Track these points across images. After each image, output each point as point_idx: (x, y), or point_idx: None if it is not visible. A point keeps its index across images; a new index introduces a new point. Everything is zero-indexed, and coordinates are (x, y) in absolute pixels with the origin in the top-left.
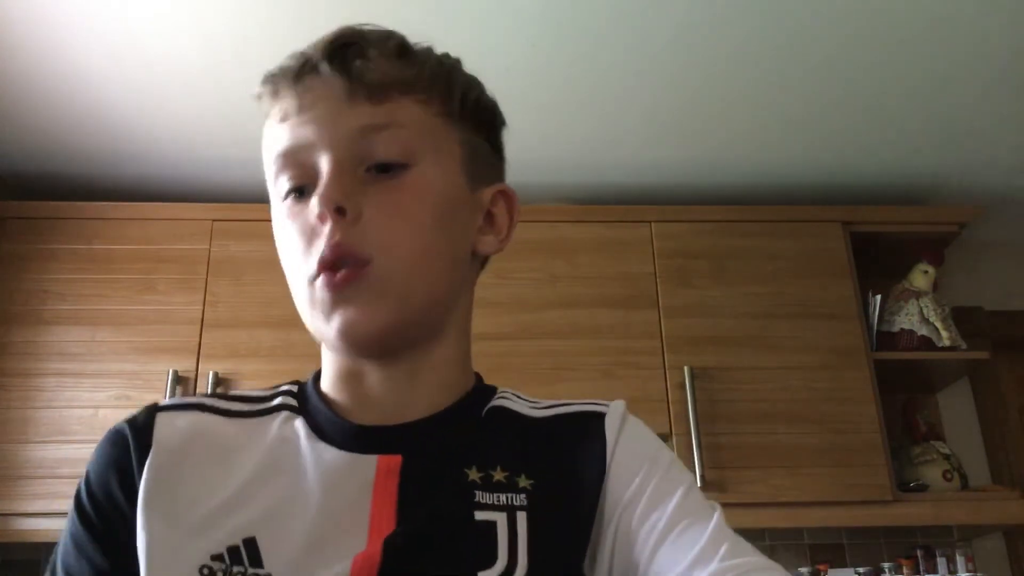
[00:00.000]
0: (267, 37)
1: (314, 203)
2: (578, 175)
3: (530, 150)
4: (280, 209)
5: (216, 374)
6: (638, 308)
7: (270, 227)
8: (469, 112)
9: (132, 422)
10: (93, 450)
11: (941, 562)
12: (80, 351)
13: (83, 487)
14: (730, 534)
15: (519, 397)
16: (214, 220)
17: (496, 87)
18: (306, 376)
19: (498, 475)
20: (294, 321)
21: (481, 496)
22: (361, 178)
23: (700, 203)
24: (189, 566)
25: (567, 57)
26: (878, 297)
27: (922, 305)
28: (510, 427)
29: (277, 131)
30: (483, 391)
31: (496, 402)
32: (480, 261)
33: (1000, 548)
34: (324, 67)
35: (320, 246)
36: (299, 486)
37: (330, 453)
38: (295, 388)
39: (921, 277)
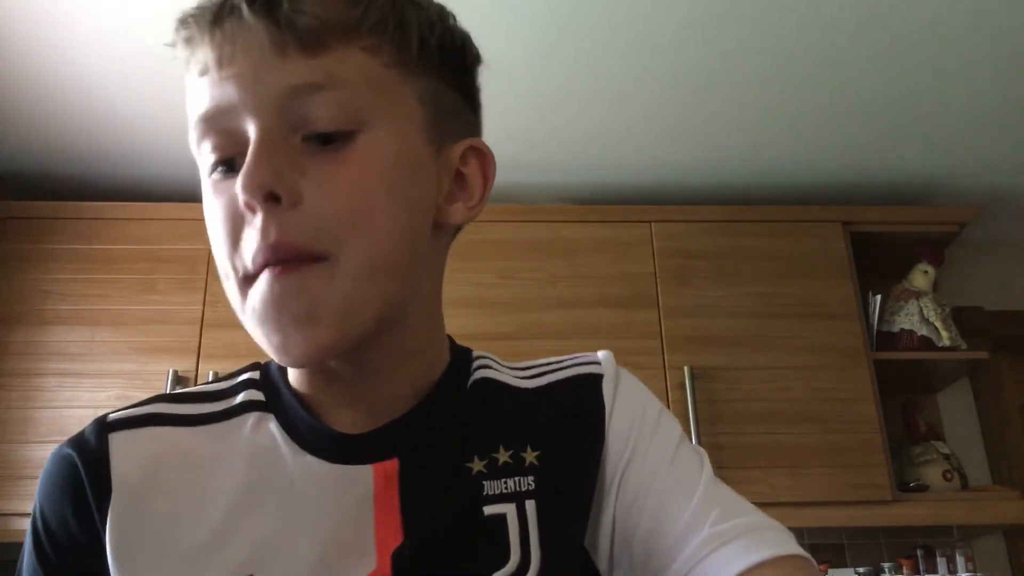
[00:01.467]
0: None
1: (239, 187)
2: (578, 175)
3: (530, 150)
4: (206, 184)
5: (216, 374)
6: (638, 308)
7: None
8: (430, 57)
9: (82, 449)
10: (41, 476)
11: (941, 562)
12: (80, 351)
13: (39, 524)
14: (719, 493)
15: (499, 363)
16: None
17: (496, 87)
18: (266, 357)
19: (503, 456)
20: None
21: (489, 487)
22: (298, 148)
23: (700, 203)
24: None
25: (567, 57)
26: (878, 297)
27: (922, 305)
28: (503, 401)
29: (196, 88)
30: (461, 361)
31: (479, 373)
32: (451, 232)
33: (1000, 548)
34: (245, 10)
35: (251, 243)
36: (292, 510)
37: (319, 467)
38: (257, 375)
39: (921, 277)
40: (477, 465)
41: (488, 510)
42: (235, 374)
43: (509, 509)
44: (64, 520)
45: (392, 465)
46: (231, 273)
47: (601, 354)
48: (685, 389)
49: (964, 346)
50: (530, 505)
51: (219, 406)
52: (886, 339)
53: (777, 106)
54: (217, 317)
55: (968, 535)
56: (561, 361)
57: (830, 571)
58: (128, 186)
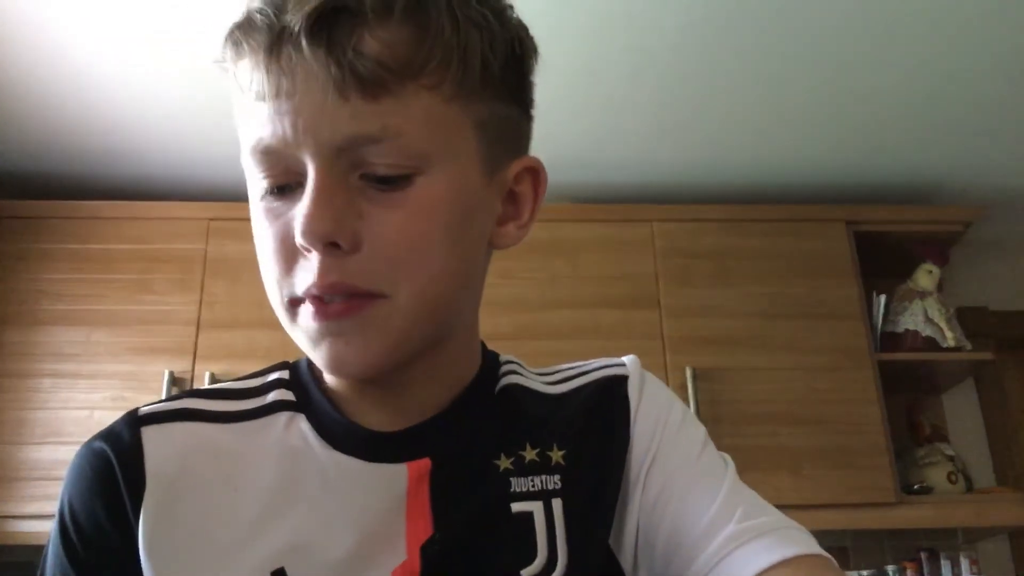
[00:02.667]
0: None
1: (298, 229)
2: (579, 174)
3: (530, 150)
4: (258, 206)
5: (212, 375)
6: (639, 308)
7: None
8: (491, 79)
9: (115, 443)
10: (69, 471)
11: (945, 565)
12: (76, 352)
13: (68, 520)
14: (744, 493)
15: (526, 369)
16: (210, 219)
17: None
18: (295, 357)
19: (530, 454)
20: None
21: (516, 484)
22: (355, 187)
23: (702, 202)
24: None
25: (567, 56)
26: (882, 297)
27: (926, 305)
28: (531, 404)
29: (252, 112)
30: (491, 364)
31: (507, 379)
32: (493, 249)
33: (1005, 551)
34: (305, 44)
35: (307, 276)
36: (324, 506)
37: (353, 465)
38: (287, 375)
39: (925, 277)
40: (504, 463)
41: (516, 507)
42: (264, 372)
43: (536, 507)
44: (95, 515)
45: (424, 464)
46: (277, 294)
47: (627, 358)
48: (687, 390)
49: (969, 347)
50: (557, 504)
51: (250, 404)
52: (890, 339)
53: (780, 105)
54: (213, 318)
55: (973, 538)
56: (587, 364)
57: None
58: (124, 185)
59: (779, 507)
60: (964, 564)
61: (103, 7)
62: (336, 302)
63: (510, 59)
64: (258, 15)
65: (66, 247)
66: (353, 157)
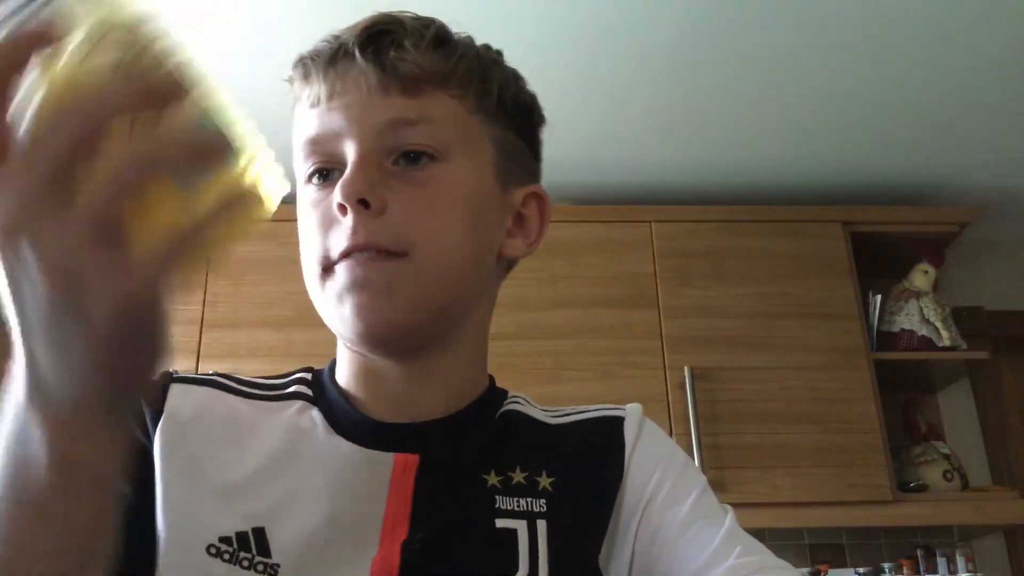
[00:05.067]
0: (268, 36)
1: (337, 193)
2: (578, 175)
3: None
4: (304, 194)
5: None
6: (638, 308)
7: (271, 227)
8: (505, 109)
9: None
10: None
11: (941, 562)
12: None
13: None
14: (743, 536)
15: (531, 403)
16: None
17: None
18: (320, 365)
19: (518, 477)
20: (294, 321)
21: (502, 502)
22: (388, 170)
23: (700, 203)
24: (200, 541)
25: (567, 57)
26: (878, 297)
27: (922, 305)
28: (528, 431)
29: (307, 117)
30: (496, 393)
31: (510, 406)
32: (505, 264)
33: (1000, 548)
34: (358, 55)
35: (340, 237)
36: (313, 479)
37: (346, 447)
38: (309, 376)
39: (921, 277)
40: (492, 479)
41: (500, 523)
42: (289, 373)
43: (520, 525)
44: None
45: (412, 459)
46: (315, 264)
47: (630, 405)
48: (685, 389)
49: (964, 346)
50: (541, 525)
51: (270, 392)
52: (886, 339)
53: (777, 106)
54: (216, 317)
55: (968, 535)
56: (590, 406)
57: (830, 571)
58: None
59: (776, 505)
60: (960, 561)
61: None
62: (363, 257)
63: (522, 102)
64: (323, 43)
65: None
66: (390, 142)
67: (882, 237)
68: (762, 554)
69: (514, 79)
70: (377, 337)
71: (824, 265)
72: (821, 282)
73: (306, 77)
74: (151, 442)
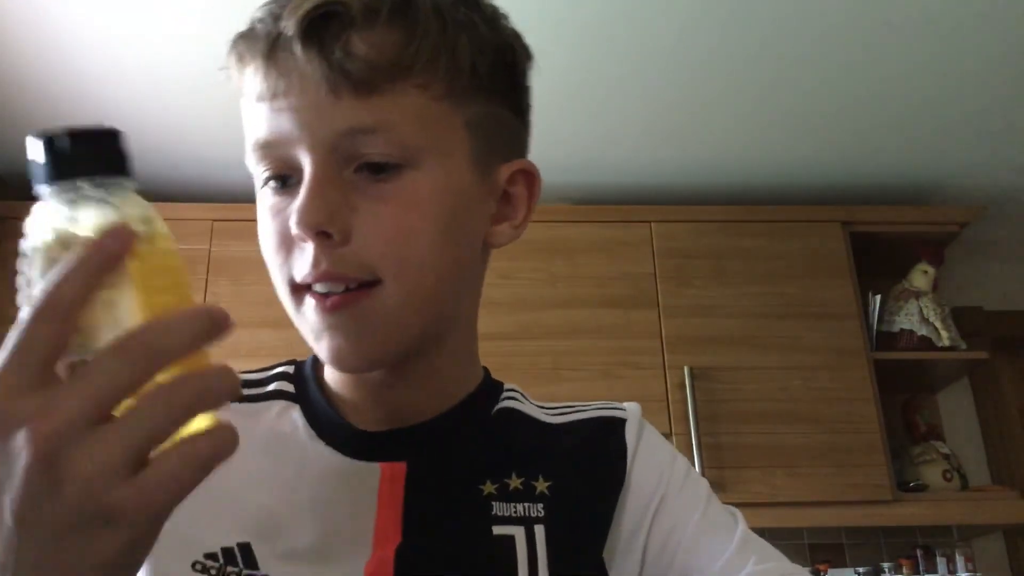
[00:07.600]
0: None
1: (293, 221)
2: (578, 175)
3: (530, 150)
4: (262, 197)
5: None
6: (638, 308)
7: None
8: (480, 81)
9: None
10: None
11: (941, 562)
12: None
13: None
14: (756, 541)
15: (527, 399)
16: (214, 220)
17: None
18: (304, 356)
19: (514, 483)
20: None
21: (498, 508)
22: (350, 180)
23: (700, 203)
24: (187, 556)
25: (566, 57)
26: (878, 297)
27: (922, 305)
28: (524, 432)
29: (254, 111)
30: (491, 388)
31: (505, 403)
32: (490, 249)
33: (1000, 548)
34: (298, 49)
35: (303, 264)
36: (298, 492)
37: (332, 458)
38: (291, 370)
39: (921, 277)
40: (488, 487)
41: (497, 530)
42: (271, 367)
43: (518, 532)
44: None
45: (400, 467)
46: (281, 281)
47: (628, 404)
48: (685, 389)
49: (964, 346)
50: (539, 530)
51: (250, 391)
52: (886, 339)
53: (777, 107)
54: None
55: (968, 535)
56: (588, 403)
57: (830, 571)
58: None
59: (776, 504)
60: (959, 561)
61: (109, 9)
62: (334, 296)
63: (501, 63)
64: (258, 24)
65: None
66: (347, 150)
67: (882, 237)
68: (778, 560)
69: (490, 38)
70: (358, 369)
71: (824, 265)
72: (821, 282)
73: (243, 66)
74: None
